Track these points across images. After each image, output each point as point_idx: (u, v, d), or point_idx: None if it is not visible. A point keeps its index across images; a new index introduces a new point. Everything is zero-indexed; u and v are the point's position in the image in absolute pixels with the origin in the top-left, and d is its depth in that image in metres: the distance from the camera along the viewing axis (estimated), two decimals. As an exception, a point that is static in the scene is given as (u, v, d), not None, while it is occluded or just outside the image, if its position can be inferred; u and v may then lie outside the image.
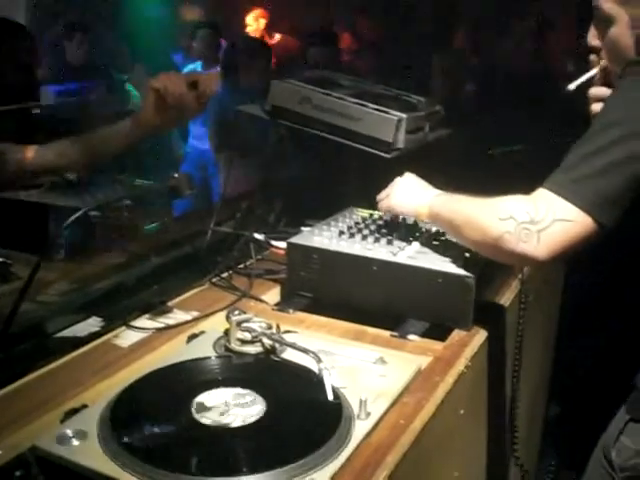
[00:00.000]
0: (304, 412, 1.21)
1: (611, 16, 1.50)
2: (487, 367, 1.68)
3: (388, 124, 1.97)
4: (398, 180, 1.81)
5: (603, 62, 1.56)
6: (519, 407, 1.88)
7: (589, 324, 2.87)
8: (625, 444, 1.64)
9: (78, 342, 1.51)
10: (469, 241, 1.55)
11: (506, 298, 1.79)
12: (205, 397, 1.22)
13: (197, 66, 5.55)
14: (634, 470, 1.61)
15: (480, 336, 1.59)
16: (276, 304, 1.74)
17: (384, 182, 1.84)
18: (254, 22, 6.50)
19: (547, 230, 1.37)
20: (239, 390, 1.24)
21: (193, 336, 1.50)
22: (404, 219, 1.88)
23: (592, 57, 1.58)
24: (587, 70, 1.59)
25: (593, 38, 1.58)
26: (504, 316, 1.75)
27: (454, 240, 1.74)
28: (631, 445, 1.63)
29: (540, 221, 1.37)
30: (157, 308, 1.66)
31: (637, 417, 1.64)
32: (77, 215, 1.34)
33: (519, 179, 1.48)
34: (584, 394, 2.83)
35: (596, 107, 1.52)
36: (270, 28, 6.48)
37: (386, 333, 1.58)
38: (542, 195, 1.40)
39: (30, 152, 1.82)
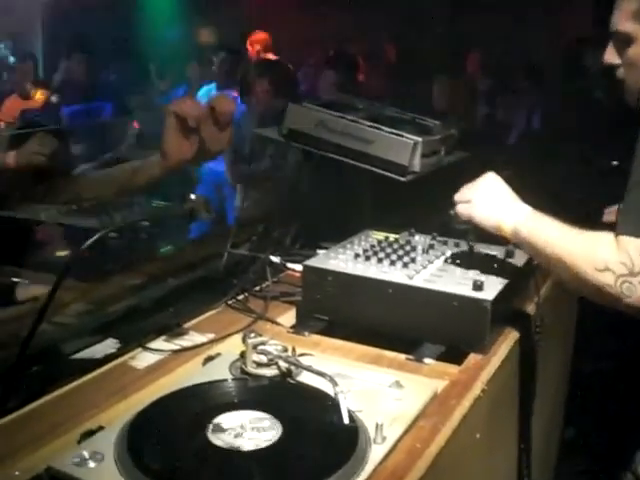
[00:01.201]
0: (320, 436, 1.21)
1: (630, 35, 1.53)
2: (503, 390, 1.67)
3: (404, 148, 1.98)
4: (480, 186, 1.68)
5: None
6: (535, 430, 1.86)
7: (604, 345, 2.86)
8: None
9: (94, 364, 1.51)
10: (561, 278, 1.55)
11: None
12: (221, 420, 1.21)
13: (212, 88, 5.60)
14: None
15: (496, 360, 1.58)
16: (292, 327, 1.74)
17: (400, 205, 1.84)
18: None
19: None
20: (255, 413, 1.24)
21: (209, 358, 1.50)
22: (421, 243, 1.88)
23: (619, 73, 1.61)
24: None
25: (610, 56, 1.61)
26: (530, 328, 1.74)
27: (469, 264, 1.74)
28: None
29: (639, 272, 1.38)
30: (173, 330, 1.67)
31: None
32: (97, 237, 1.34)
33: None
34: (600, 414, 2.81)
35: None
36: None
37: (402, 356, 1.58)
38: (631, 243, 1.40)
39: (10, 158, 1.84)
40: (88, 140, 5.18)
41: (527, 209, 1.60)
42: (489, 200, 1.64)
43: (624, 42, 1.55)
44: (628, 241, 1.40)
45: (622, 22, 1.54)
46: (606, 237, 1.44)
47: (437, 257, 1.79)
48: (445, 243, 1.92)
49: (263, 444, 1.16)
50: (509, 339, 1.68)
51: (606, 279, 1.40)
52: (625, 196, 1.43)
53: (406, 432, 1.24)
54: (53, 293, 1.28)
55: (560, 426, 2.68)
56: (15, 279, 1.86)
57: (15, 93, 5.77)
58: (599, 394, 2.89)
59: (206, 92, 5.57)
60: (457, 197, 1.70)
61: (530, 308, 1.82)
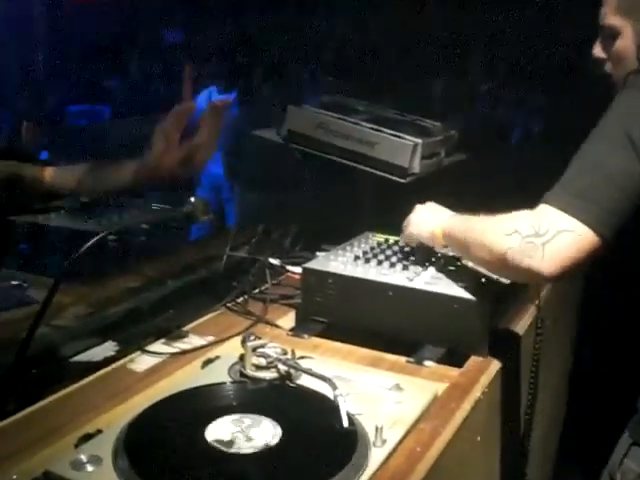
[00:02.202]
0: (319, 439, 1.20)
1: (616, 29, 1.55)
2: (503, 393, 1.67)
3: (404, 149, 1.98)
4: (417, 207, 1.80)
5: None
6: (534, 433, 1.86)
7: (606, 346, 2.86)
8: (629, 467, 1.65)
9: (93, 366, 1.50)
10: (477, 260, 1.56)
11: (523, 324, 1.78)
12: (220, 423, 1.21)
13: (212, 90, 5.57)
14: None
15: (497, 362, 1.58)
16: (291, 329, 1.73)
17: (400, 207, 1.84)
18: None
19: (552, 242, 1.36)
20: (254, 416, 1.23)
21: (208, 361, 1.49)
22: (421, 243, 1.87)
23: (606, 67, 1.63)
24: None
25: (598, 51, 1.63)
26: (519, 344, 1.73)
27: (470, 265, 1.74)
28: (635, 468, 1.64)
29: (544, 233, 1.36)
30: (172, 333, 1.66)
31: (639, 441, 1.64)
32: (95, 240, 1.34)
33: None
34: (600, 416, 2.81)
35: None
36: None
37: (402, 359, 1.57)
38: (544, 210, 1.40)
39: (48, 173, 1.82)
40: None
41: (450, 213, 1.69)
42: (422, 218, 1.76)
43: (611, 36, 1.57)
44: (544, 207, 1.40)
45: (608, 16, 1.56)
46: (523, 210, 1.45)
47: (437, 259, 1.78)
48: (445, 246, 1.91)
49: (262, 447, 1.15)
50: (509, 344, 1.68)
51: (512, 241, 1.39)
52: (567, 168, 1.45)
53: (406, 435, 1.24)
54: (51, 296, 1.28)
55: (560, 427, 2.68)
56: (14, 282, 1.85)
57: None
58: (600, 395, 2.88)
59: (207, 95, 5.54)
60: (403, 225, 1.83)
61: (531, 310, 1.81)
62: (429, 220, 1.73)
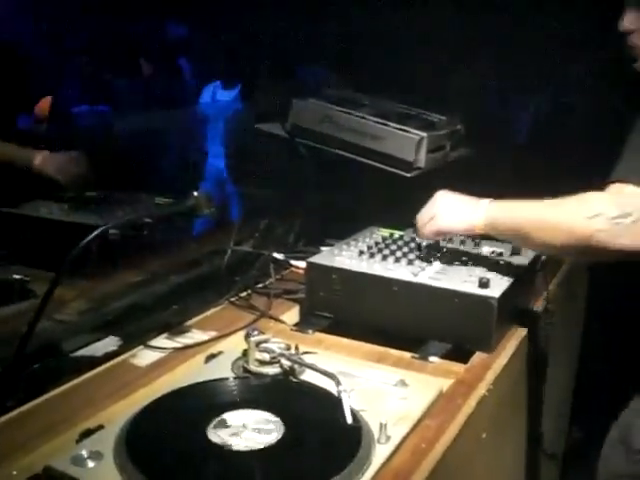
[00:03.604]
0: (323, 435, 1.19)
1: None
2: (510, 389, 1.65)
3: (409, 143, 1.96)
4: (436, 201, 1.70)
5: None
6: (543, 429, 1.85)
7: (612, 340, 2.84)
8: None
9: (95, 361, 1.49)
10: (546, 245, 1.52)
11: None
12: (223, 419, 1.19)
13: (217, 86, 5.56)
14: None
15: (503, 358, 1.56)
16: (295, 324, 1.72)
17: (405, 201, 1.82)
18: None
19: None
20: (257, 412, 1.22)
21: (211, 356, 1.48)
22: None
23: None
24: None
25: (628, 23, 1.59)
26: (526, 339, 1.72)
27: (475, 261, 1.72)
28: None
29: (632, 212, 1.37)
30: (175, 328, 1.65)
31: None
32: (96, 233, 1.32)
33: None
34: (608, 411, 2.79)
35: None
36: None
37: (407, 355, 1.56)
38: (625, 189, 1.40)
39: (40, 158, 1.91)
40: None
41: (488, 200, 1.61)
42: (451, 208, 1.66)
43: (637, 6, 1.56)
44: (620, 186, 1.40)
45: None
46: (593, 192, 1.43)
47: (442, 254, 1.77)
48: (451, 240, 1.90)
49: (265, 444, 1.14)
50: (515, 337, 1.66)
51: (598, 224, 1.38)
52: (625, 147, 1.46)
53: (411, 432, 1.22)
54: (51, 290, 1.26)
55: (567, 424, 2.66)
56: (16, 276, 1.84)
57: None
58: (607, 391, 2.86)
59: (212, 91, 5.52)
60: (418, 219, 1.71)
61: (537, 305, 1.80)
62: (461, 212, 1.64)
